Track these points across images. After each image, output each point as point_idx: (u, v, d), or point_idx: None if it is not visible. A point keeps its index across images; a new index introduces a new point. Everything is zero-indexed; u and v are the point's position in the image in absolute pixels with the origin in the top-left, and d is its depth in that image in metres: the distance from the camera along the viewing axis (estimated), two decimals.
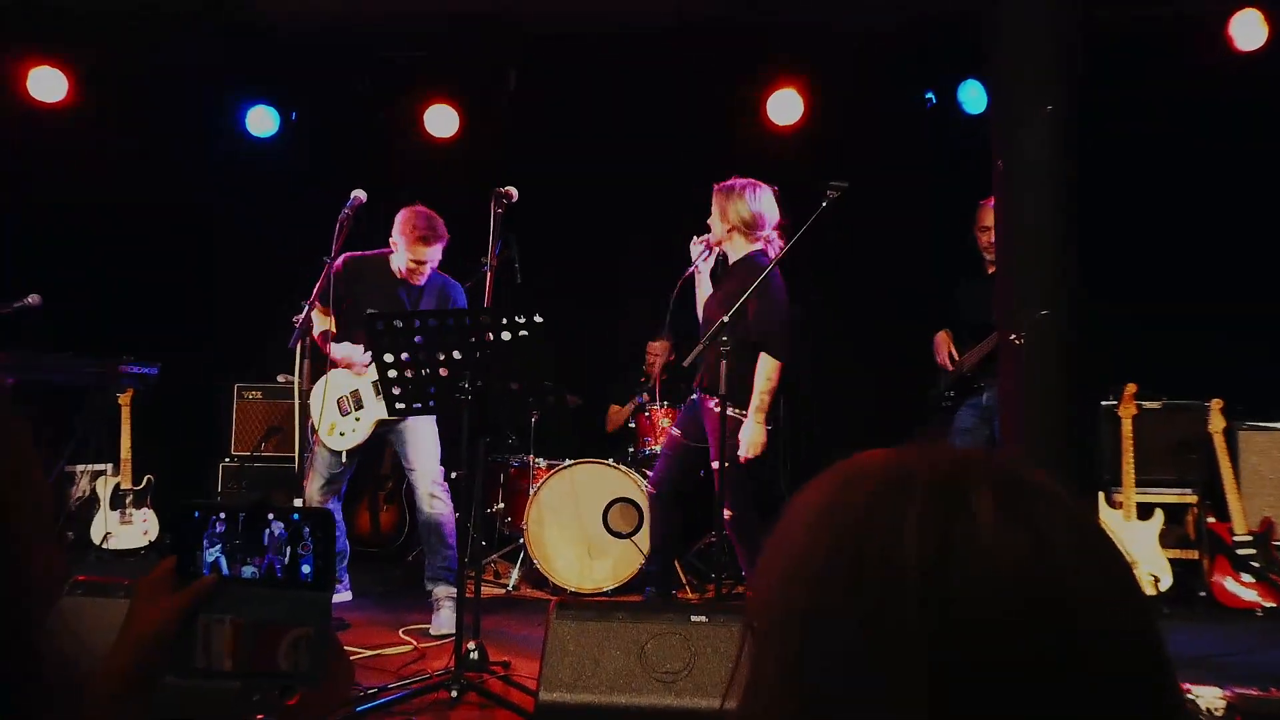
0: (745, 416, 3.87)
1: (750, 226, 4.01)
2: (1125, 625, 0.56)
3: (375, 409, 4.20)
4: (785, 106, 5.76)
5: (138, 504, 5.52)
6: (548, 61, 5.73)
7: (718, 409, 3.76)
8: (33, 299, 4.57)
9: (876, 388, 5.51)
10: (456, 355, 3.16)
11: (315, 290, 4.05)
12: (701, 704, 2.63)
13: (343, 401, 4.28)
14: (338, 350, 4.22)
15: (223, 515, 1.11)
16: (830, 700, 0.56)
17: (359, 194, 4.05)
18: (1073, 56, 3.35)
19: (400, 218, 4.21)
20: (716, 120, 5.79)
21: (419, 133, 5.96)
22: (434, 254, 4.18)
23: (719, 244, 4.10)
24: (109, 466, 5.53)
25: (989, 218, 4.54)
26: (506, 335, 3.11)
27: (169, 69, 5.59)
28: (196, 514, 1.11)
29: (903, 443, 0.63)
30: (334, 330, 4.21)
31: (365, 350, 4.15)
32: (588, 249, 6.08)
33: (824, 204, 3.61)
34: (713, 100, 5.75)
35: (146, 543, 5.49)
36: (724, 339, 3.60)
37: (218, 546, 1.10)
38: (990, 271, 4.57)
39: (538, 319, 3.07)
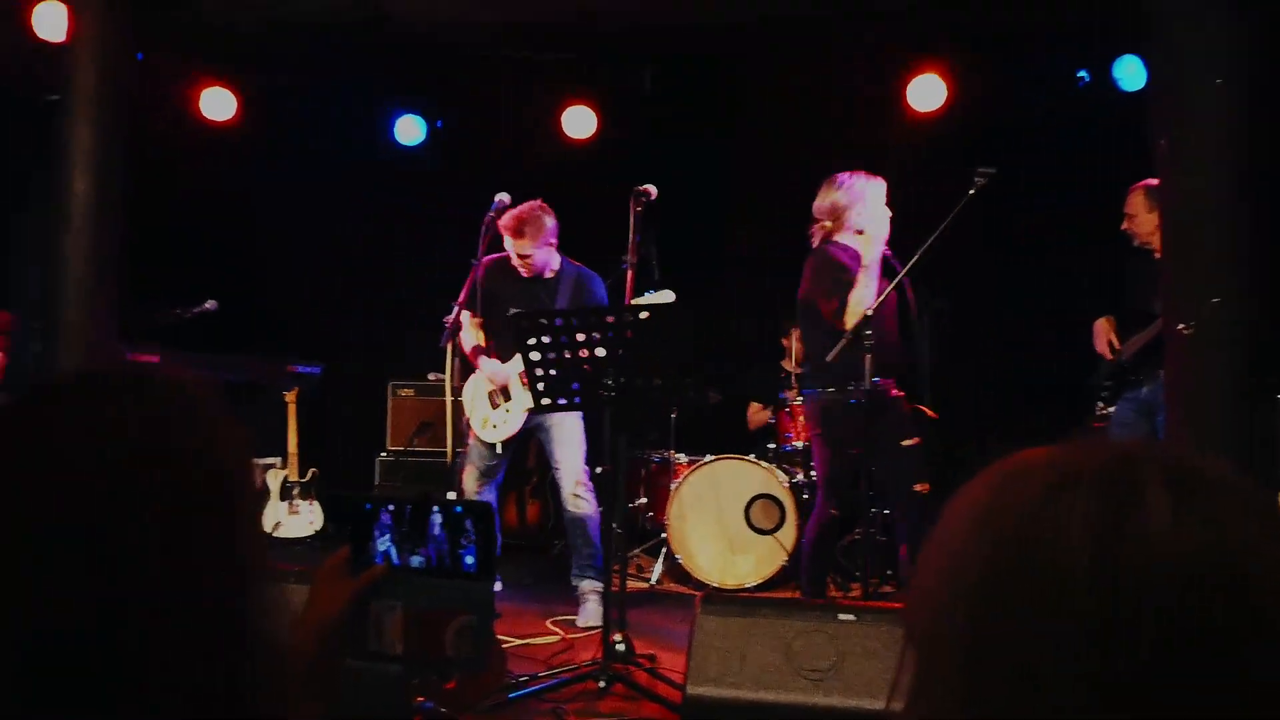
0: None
1: None
2: None
3: (524, 398, 4.30)
4: (927, 92, 5.59)
5: (304, 495, 5.85)
6: (683, 58, 5.74)
7: (899, 393, 3.94)
8: (210, 304, 4.93)
9: (1028, 381, 5.29)
10: (600, 352, 3.22)
11: (463, 292, 4.21)
12: (850, 703, 2.60)
13: (493, 395, 4.42)
14: (485, 366, 4.36)
15: (391, 507, 1.17)
16: (999, 700, 0.55)
17: (503, 197, 4.18)
18: (1247, 24, 3.12)
19: None
20: (855, 110, 5.67)
21: (558, 134, 6.08)
22: (526, 248, 4.18)
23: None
24: (278, 460, 5.89)
25: (1133, 204, 4.29)
26: (644, 315, 3.20)
27: (325, 84, 5.90)
28: (368, 506, 1.18)
29: (1060, 439, 0.62)
30: (483, 344, 4.37)
31: (511, 358, 4.29)
32: (727, 245, 6.07)
33: (971, 191, 3.53)
34: (851, 89, 5.63)
35: (312, 532, 5.81)
36: (869, 331, 3.60)
37: (387, 537, 1.16)
38: (1157, 256, 4.32)
39: (669, 295, 3.11)
